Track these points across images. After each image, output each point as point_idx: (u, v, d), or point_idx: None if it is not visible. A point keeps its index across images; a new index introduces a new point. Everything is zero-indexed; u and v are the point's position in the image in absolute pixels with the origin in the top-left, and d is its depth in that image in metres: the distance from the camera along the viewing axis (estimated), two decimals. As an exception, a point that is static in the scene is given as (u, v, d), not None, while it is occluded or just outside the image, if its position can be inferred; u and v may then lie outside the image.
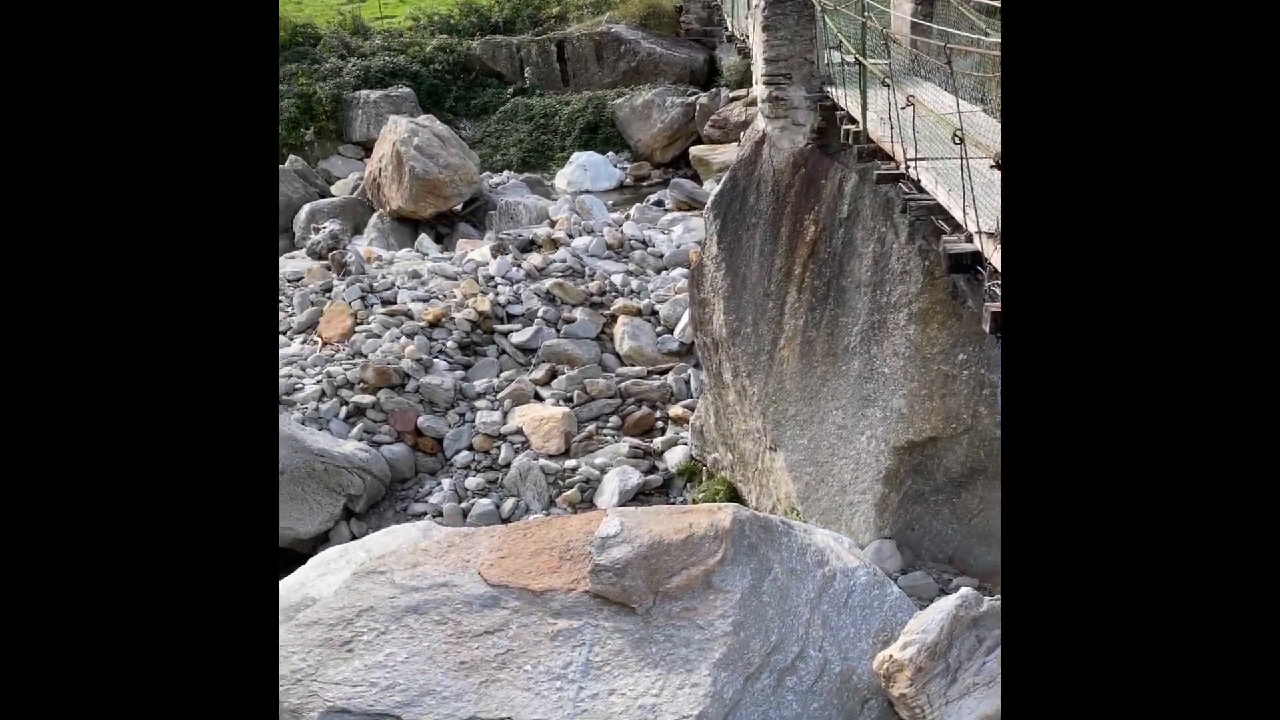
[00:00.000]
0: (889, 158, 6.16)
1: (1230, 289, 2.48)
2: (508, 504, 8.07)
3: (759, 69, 7.75)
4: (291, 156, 17.69)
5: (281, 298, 10.56)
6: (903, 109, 5.50)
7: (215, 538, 2.48)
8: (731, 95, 17.65)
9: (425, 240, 13.02)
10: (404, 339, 9.31)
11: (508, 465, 8.34)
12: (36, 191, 2.42)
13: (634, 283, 10.24)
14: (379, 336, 9.41)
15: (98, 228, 2.46)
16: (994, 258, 4.52)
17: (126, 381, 2.44)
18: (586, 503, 8.01)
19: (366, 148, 17.89)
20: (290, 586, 5.37)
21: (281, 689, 4.36)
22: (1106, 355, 2.53)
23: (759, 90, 7.74)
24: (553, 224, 12.61)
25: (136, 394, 2.44)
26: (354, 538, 7.64)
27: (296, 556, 7.27)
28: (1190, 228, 2.51)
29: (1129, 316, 2.52)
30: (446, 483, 8.29)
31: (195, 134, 2.58)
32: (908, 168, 5.70)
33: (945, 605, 4.58)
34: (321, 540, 7.81)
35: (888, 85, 5.79)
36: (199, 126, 2.58)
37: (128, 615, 2.39)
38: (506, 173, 17.18)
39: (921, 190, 5.66)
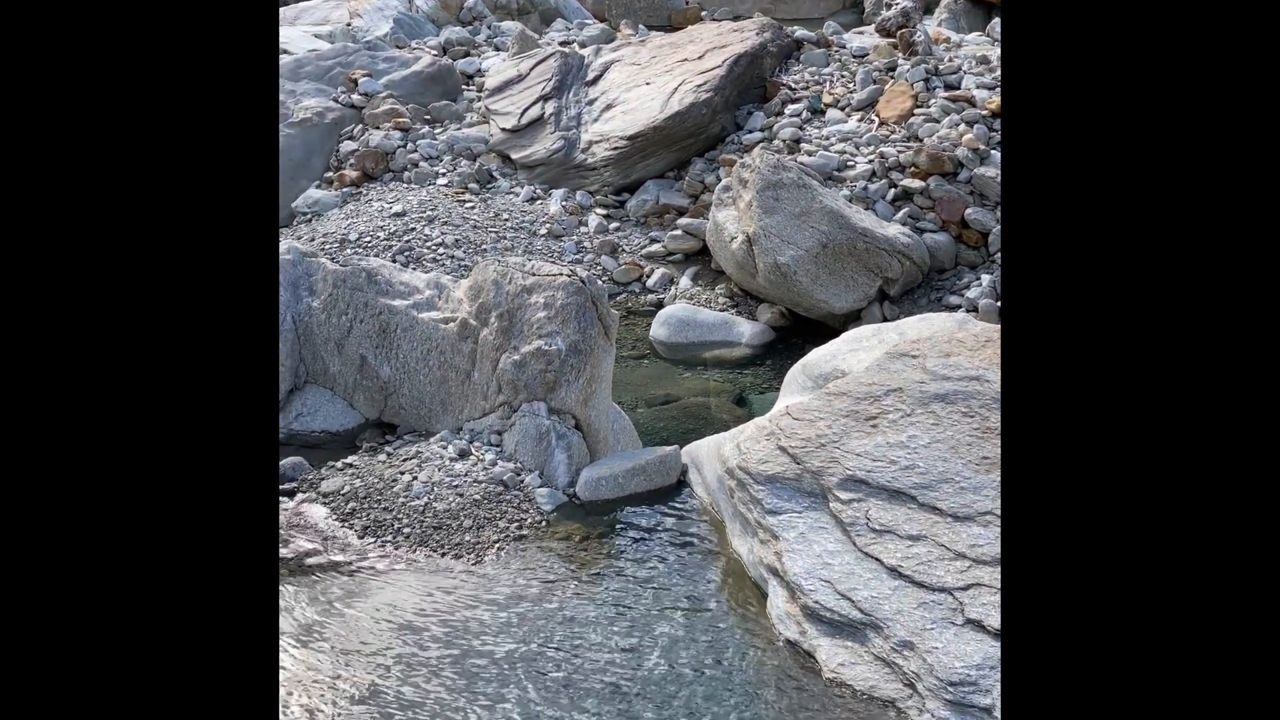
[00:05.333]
0: None
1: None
2: (1047, 310, 7.76)
3: None
4: (872, -72, 17.33)
5: (844, 73, 10.52)
6: None
7: (213, 533, 2.43)
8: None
9: (999, 25, 12.38)
10: (963, 126, 9.00)
11: (1053, 270, 7.98)
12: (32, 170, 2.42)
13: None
14: (937, 121, 9.17)
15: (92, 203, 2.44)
16: None
17: (119, 366, 2.41)
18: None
19: (949, -78, 17.14)
20: (822, 357, 5.52)
21: (805, 450, 4.53)
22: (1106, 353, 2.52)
23: None
24: (1142, 17, 11.53)
25: (129, 379, 2.42)
26: (884, 319, 7.69)
27: (827, 330, 7.46)
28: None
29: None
30: (986, 278, 8.08)
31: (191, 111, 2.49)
32: None
33: None
34: (853, 317, 7.93)
35: None
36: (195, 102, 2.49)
37: (109, 608, 2.36)
38: (1097, -43, 15.88)
39: None
